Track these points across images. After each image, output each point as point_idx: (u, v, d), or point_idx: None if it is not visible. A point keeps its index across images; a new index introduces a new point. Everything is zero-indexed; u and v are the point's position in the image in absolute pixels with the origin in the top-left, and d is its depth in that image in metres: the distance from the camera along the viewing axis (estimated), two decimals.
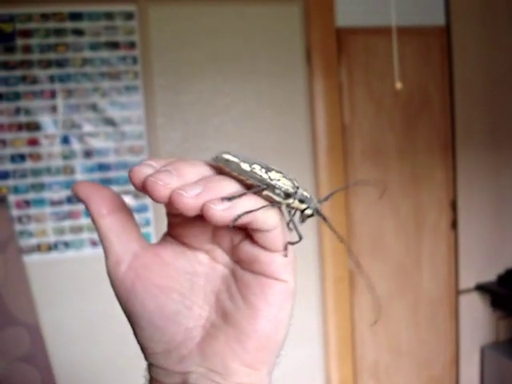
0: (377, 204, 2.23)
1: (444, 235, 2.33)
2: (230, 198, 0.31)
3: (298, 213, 0.37)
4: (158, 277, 0.36)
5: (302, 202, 0.36)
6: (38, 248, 1.89)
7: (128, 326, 0.38)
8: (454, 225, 2.33)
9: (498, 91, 2.33)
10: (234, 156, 0.35)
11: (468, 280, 2.36)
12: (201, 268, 0.37)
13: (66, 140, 1.90)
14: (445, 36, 2.26)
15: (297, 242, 0.36)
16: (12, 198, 1.87)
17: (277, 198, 0.35)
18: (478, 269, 2.37)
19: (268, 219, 0.34)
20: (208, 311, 0.37)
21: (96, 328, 1.91)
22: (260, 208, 0.33)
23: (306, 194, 0.36)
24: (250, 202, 0.33)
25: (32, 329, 1.75)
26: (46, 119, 1.89)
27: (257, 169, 0.35)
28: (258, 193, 0.34)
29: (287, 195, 0.35)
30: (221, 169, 0.35)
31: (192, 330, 0.36)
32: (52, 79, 1.88)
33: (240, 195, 0.32)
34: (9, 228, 1.82)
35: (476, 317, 2.39)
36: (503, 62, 2.32)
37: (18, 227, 1.87)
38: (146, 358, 0.38)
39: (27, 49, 1.86)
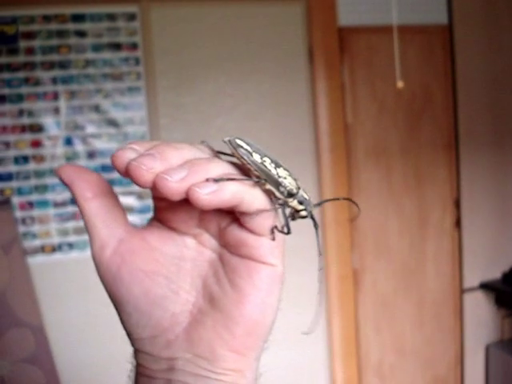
0: (380, 203, 2.23)
1: (448, 234, 2.32)
2: (217, 180, 0.31)
3: (291, 209, 0.37)
4: (144, 262, 0.35)
5: (300, 203, 0.36)
6: (42, 249, 1.89)
7: None
8: (458, 223, 2.33)
9: (500, 89, 2.32)
10: (248, 144, 0.35)
11: (472, 278, 2.35)
12: (188, 252, 0.37)
13: (69, 141, 1.91)
14: (447, 35, 2.25)
15: (286, 234, 0.36)
16: (16, 200, 1.87)
17: (278, 195, 0.35)
18: (483, 267, 2.36)
19: (256, 202, 0.33)
20: (195, 296, 0.36)
21: (100, 329, 1.91)
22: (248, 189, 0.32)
23: (305, 196, 0.37)
24: (238, 185, 0.32)
25: (36, 330, 1.75)
26: (48, 121, 1.89)
27: (267, 162, 0.35)
28: (261, 186, 0.34)
29: (290, 194, 0.36)
30: (232, 154, 0.35)
31: (179, 316, 0.36)
32: (55, 81, 1.88)
33: (228, 179, 0.31)
34: (13, 230, 1.82)
35: (480, 315, 2.38)
36: (506, 60, 2.31)
37: (21, 229, 1.88)
38: (132, 343, 0.37)
39: (30, 51, 1.86)
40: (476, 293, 2.36)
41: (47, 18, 1.87)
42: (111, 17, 1.92)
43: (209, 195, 0.30)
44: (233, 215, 0.34)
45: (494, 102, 2.32)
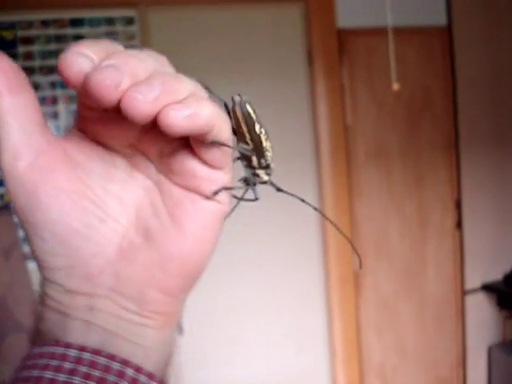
0: (381, 205, 2.23)
1: (449, 235, 2.32)
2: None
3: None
4: (66, 180, 0.29)
5: (267, 174, 0.35)
6: None
7: None
8: (459, 224, 2.32)
9: (500, 90, 2.31)
10: (254, 111, 0.32)
11: (474, 280, 2.35)
12: (117, 174, 0.31)
13: None
14: (446, 36, 2.25)
15: (253, 201, 0.35)
16: None
17: (255, 164, 0.34)
18: (484, 268, 2.35)
19: (224, 132, 0.29)
20: (125, 227, 0.31)
21: None
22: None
23: (273, 165, 0.36)
24: (212, 108, 0.27)
25: None
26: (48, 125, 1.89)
27: (263, 134, 0.33)
28: (245, 153, 0.33)
29: (265, 166, 0.35)
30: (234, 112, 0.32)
31: (104, 247, 0.30)
32: (53, 86, 1.88)
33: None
34: (13, 234, 1.82)
35: (482, 317, 2.37)
36: (506, 60, 2.30)
37: (22, 233, 1.88)
38: (42, 271, 0.31)
39: (28, 56, 1.86)
40: (478, 294, 2.36)
41: (46, 23, 1.87)
42: (109, 21, 1.92)
43: (185, 119, 0.26)
44: (180, 140, 0.29)
45: (494, 103, 2.31)
